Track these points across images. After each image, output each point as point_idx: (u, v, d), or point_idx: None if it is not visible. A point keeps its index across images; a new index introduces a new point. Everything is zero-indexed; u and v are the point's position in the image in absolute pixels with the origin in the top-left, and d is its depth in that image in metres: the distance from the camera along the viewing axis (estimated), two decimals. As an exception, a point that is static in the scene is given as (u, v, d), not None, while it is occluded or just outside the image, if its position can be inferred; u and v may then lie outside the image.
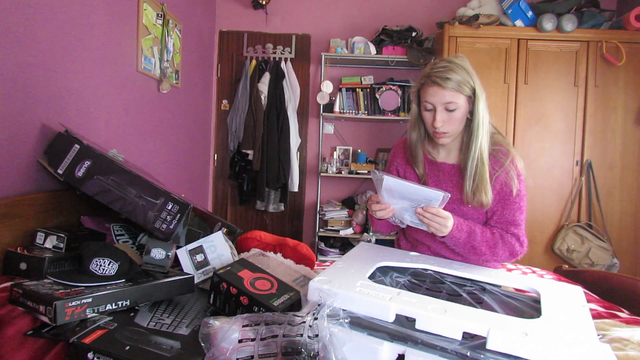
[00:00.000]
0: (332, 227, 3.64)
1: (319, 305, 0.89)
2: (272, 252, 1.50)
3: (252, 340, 0.82)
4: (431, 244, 1.43)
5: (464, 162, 1.31)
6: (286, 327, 0.82)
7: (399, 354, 0.84)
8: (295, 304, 1.05)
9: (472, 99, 1.27)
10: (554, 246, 3.09)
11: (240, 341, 0.82)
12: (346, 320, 0.86)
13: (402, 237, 1.57)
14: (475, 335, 0.80)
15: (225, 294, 1.06)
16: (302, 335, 0.80)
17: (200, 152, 3.56)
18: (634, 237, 3.10)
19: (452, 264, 1.27)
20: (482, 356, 0.78)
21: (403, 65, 3.62)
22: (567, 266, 2.02)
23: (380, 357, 0.83)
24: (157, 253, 1.26)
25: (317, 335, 0.79)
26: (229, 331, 0.83)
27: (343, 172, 3.61)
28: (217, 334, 0.84)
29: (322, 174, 3.67)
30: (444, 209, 1.22)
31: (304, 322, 0.82)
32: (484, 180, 1.28)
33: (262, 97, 3.52)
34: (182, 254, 1.30)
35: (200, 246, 1.33)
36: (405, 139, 1.49)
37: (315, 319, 0.82)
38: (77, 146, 1.45)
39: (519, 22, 3.11)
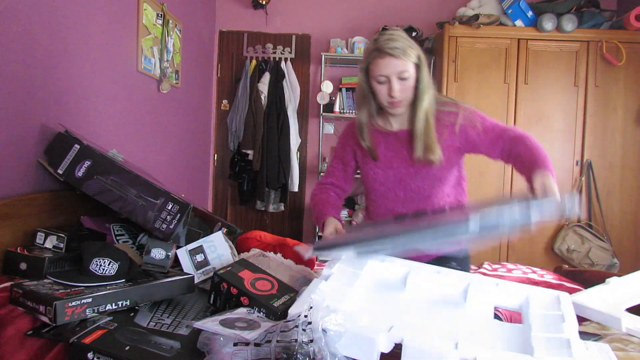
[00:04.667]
0: (332, 227, 3.63)
1: (311, 307, 0.87)
2: (272, 253, 1.50)
3: (247, 344, 0.81)
4: (394, 206, 1.43)
5: (412, 124, 1.35)
6: (279, 333, 0.82)
7: (395, 343, 0.84)
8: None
9: (418, 66, 1.31)
10: (554, 246, 3.09)
11: (235, 344, 0.82)
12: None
13: (367, 218, 1.58)
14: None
15: (225, 294, 1.06)
16: (296, 340, 0.79)
17: (200, 152, 3.56)
18: (634, 237, 3.10)
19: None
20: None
21: (403, 65, 3.62)
22: (567, 266, 2.02)
23: (377, 347, 0.83)
24: (157, 253, 1.26)
25: (312, 341, 0.79)
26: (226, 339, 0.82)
27: (343, 172, 3.60)
28: (215, 341, 0.83)
29: (322, 174, 3.67)
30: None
31: (297, 325, 0.81)
32: (431, 138, 1.32)
33: (262, 97, 3.52)
34: (182, 254, 1.30)
35: (200, 246, 1.33)
36: (354, 122, 1.48)
37: (309, 323, 0.81)
38: (77, 146, 1.45)
39: (519, 22, 3.11)
